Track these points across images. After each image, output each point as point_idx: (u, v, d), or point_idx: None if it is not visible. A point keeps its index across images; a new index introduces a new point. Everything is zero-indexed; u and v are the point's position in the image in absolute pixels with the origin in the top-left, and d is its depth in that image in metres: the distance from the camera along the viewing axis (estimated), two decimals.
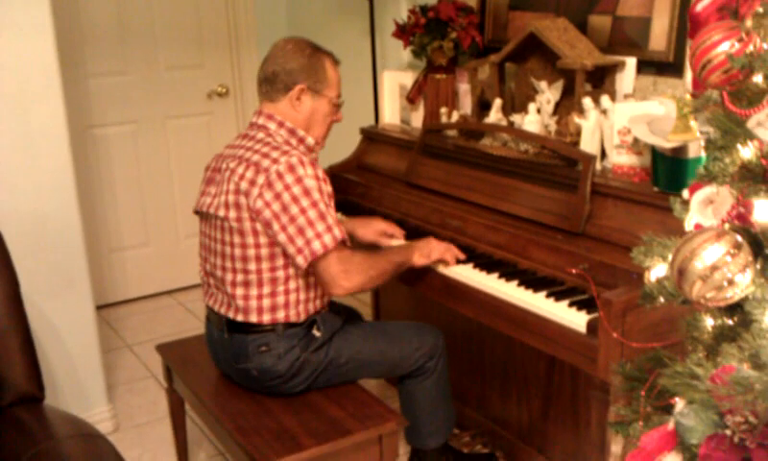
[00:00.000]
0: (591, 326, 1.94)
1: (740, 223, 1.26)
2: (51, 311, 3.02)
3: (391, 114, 3.37)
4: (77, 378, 3.14)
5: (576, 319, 1.98)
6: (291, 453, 2.04)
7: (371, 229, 2.65)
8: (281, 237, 2.15)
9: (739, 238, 1.21)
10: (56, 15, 3.87)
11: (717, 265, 1.18)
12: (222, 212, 2.22)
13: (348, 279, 2.16)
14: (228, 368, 2.37)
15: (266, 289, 2.23)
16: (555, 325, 2.03)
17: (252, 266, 2.22)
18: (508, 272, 2.30)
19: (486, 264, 2.37)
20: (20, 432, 2.06)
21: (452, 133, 2.86)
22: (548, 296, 2.12)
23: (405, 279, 2.46)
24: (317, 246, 2.11)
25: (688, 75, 1.64)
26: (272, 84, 2.30)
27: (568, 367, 2.42)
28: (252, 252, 2.20)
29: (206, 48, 4.47)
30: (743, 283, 1.20)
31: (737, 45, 1.33)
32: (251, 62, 4.58)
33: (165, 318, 4.32)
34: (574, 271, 2.12)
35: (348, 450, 2.12)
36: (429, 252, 2.39)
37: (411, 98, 3.21)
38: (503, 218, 2.49)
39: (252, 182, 2.16)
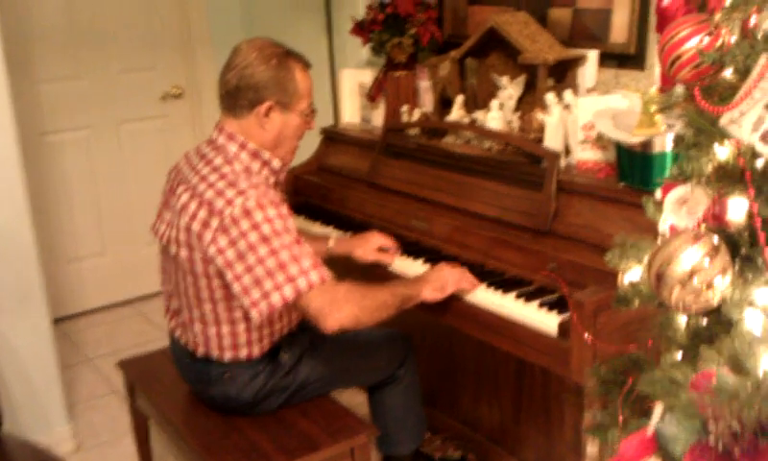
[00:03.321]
0: (563, 327, 1.90)
1: (716, 223, 1.22)
2: (6, 328, 2.91)
3: (351, 113, 3.31)
4: (35, 398, 3.04)
5: (547, 320, 1.95)
6: None
7: (369, 247, 2.43)
8: (236, 287, 1.93)
9: (716, 240, 1.17)
10: (2, 19, 3.77)
11: (695, 269, 1.15)
12: (173, 249, 2.06)
13: (338, 309, 1.91)
14: (193, 388, 2.29)
15: (225, 328, 2.09)
16: (526, 327, 1.99)
17: (208, 307, 2.07)
18: (476, 273, 2.24)
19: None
20: None
21: (414, 131, 2.81)
22: (518, 297, 2.08)
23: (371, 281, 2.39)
24: (276, 299, 1.89)
25: (656, 69, 1.61)
26: (234, 98, 2.04)
27: (539, 367, 2.39)
28: (205, 293, 2.05)
29: (159, 49, 4.36)
30: (722, 286, 1.17)
31: (707, 40, 1.30)
32: (205, 62, 4.48)
33: (126, 329, 4.22)
34: (544, 274, 2.08)
35: None
36: (443, 284, 2.14)
37: (371, 96, 3.15)
38: (469, 218, 2.44)
39: (206, 225, 1.95)
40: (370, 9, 3.03)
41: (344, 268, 2.50)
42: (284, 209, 1.97)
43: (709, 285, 1.15)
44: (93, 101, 4.21)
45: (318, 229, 2.80)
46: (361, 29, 3.04)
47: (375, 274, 2.41)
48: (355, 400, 2.95)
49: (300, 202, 3.06)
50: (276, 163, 2.12)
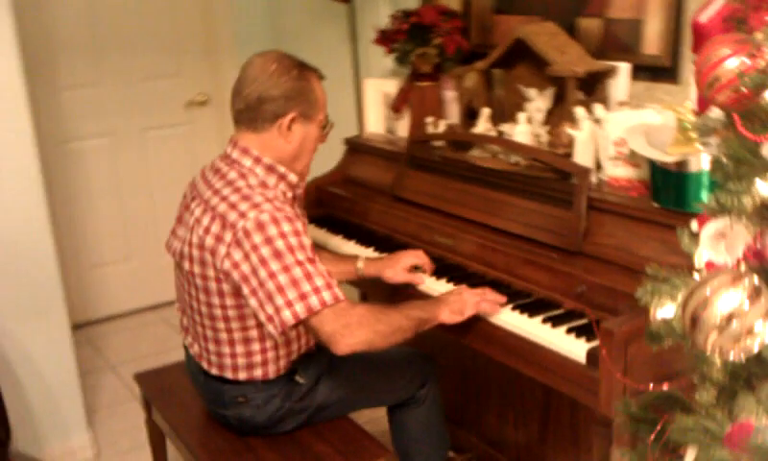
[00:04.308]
0: (591, 356, 1.81)
1: (758, 261, 1.13)
2: (26, 337, 2.90)
3: (375, 124, 3.24)
4: (55, 406, 3.02)
5: (575, 348, 1.86)
6: None
7: (399, 267, 2.31)
8: (252, 302, 1.87)
9: (757, 281, 1.08)
10: (26, 27, 3.76)
11: (734, 314, 1.06)
12: (186, 265, 2.01)
13: (351, 334, 1.83)
14: (208, 407, 2.24)
15: (239, 349, 2.03)
16: (552, 354, 1.90)
17: (221, 325, 2.01)
18: (501, 293, 2.15)
19: (479, 285, 2.22)
20: None
21: (440, 143, 2.73)
22: (544, 321, 1.99)
23: (386, 299, 2.31)
24: (287, 315, 1.82)
25: (692, 90, 1.52)
26: (256, 111, 1.98)
27: None
28: (218, 311, 1.99)
29: (184, 56, 4.33)
30: (764, 332, 1.08)
31: (747, 61, 1.21)
32: (230, 69, 4.39)
33: (148, 335, 4.20)
34: (572, 303, 1.99)
35: None
36: (462, 307, 2.05)
37: (395, 107, 3.08)
38: (495, 235, 2.36)
39: (219, 239, 1.90)
40: (393, 18, 2.95)
41: (371, 287, 2.43)
42: (299, 225, 1.91)
43: (750, 331, 1.06)
44: (117, 108, 4.19)
45: (339, 242, 2.73)
46: (384, 38, 2.96)
47: (403, 295, 2.32)
48: (376, 413, 2.87)
49: (322, 214, 3.00)
50: (293, 177, 2.06)
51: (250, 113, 2.00)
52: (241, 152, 2.02)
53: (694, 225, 1.28)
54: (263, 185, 1.97)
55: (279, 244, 1.84)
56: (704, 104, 1.34)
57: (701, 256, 1.22)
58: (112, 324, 4.37)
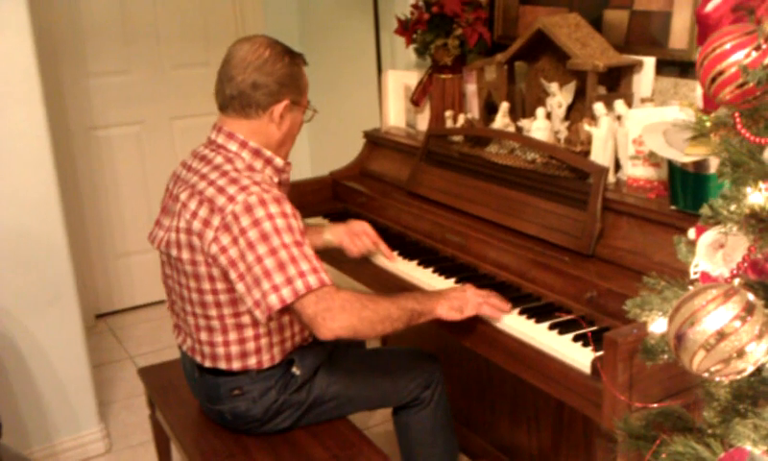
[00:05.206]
0: (597, 366, 1.71)
1: (757, 275, 1.03)
2: (37, 328, 2.87)
3: (395, 117, 3.15)
4: (66, 398, 2.99)
5: (579, 357, 1.75)
6: None
7: (339, 230, 2.40)
8: (240, 287, 1.83)
9: (752, 297, 0.98)
10: (56, 14, 3.76)
11: (724, 332, 0.96)
12: (174, 252, 1.96)
13: (333, 318, 1.77)
14: (203, 405, 2.18)
15: (232, 336, 1.98)
16: (556, 362, 1.80)
17: (213, 312, 1.96)
18: (510, 296, 2.06)
19: (488, 287, 2.12)
20: None
21: (458, 138, 2.64)
22: (551, 327, 1.89)
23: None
24: (273, 300, 1.77)
25: (698, 87, 1.42)
26: (249, 98, 1.93)
27: None
28: (210, 297, 1.94)
29: (213, 45, 4.28)
30: (757, 354, 0.97)
31: (754, 54, 1.11)
32: None
33: (170, 327, 4.15)
34: (564, 315, 1.88)
35: None
36: (462, 305, 1.96)
37: (415, 100, 2.99)
38: (508, 235, 2.26)
39: (207, 223, 1.86)
40: (414, 7, 2.86)
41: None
42: (288, 207, 1.86)
43: (741, 353, 0.96)
44: (145, 96, 4.17)
45: None
46: (405, 29, 2.87)
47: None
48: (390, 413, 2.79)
49: (339, 209, 2.93)
50: (279, 161, 2.03)
51: (243, 99, 1.95)
52: (226, 136, 1.98)
53: (691, 232, 1.17)
54: (250, 169, 1.95)
55: (267, 226, 1.81)
56: (708, 101, 1.23)
57: (696, 267, 1.12)
58: (135, 314, 4.36)
